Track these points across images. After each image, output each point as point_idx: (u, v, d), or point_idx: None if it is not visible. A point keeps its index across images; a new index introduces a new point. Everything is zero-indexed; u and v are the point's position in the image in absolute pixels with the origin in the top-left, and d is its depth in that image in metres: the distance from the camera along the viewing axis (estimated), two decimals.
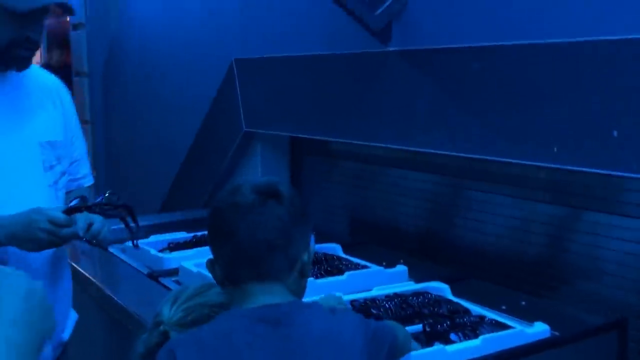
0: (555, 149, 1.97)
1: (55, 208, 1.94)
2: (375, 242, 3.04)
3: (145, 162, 4.67)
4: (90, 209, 1.97)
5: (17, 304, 0.94)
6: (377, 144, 2.77)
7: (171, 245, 2.88)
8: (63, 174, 2.11)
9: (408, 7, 2.46)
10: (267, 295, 1.34)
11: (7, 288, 0.97)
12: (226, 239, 1.35)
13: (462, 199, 2.83)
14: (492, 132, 2.18)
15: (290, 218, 1.35)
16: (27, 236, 1.85)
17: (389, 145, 2.69)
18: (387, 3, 2.46)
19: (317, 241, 2.95)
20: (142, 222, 3.40)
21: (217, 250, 1.39)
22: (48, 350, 2.07)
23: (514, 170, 2.51)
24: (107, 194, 2.02)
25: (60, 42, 8.52)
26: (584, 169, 1.94)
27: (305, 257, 1.39)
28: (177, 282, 2.47)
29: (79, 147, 2.23)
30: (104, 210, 2.00)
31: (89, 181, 2.30)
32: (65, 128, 2.14)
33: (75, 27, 5.27)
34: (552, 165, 2.02)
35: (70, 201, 2.01)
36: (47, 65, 8.64)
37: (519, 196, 2.56)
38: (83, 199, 2.02)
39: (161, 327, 1.40)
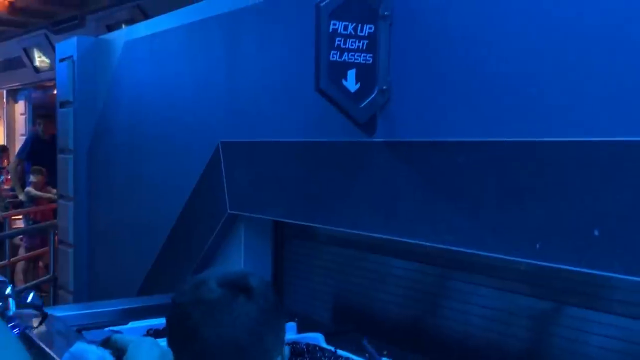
0: (537, 245, 1.99)
1: None
2: (359, 331, 3.00)
3: (127, 240, 4.64)
4: None
5: None
6: (361, 232, 2.78)
7: (150, 332, 2.83)
8: None
9: (392, 100, 2.51)
10: None
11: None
12: (189, 339, 1.21)
13: (446, 289, 2.82)
14: (475, 225, 2.20)
15: (262, 315, 1.23)
16: None
17: (372, 234, 2.70)
18: (372, 96, 2.51)
19: (300, 329, 2.96)
20: (121, 306, 3.40)
21: (178, 353, 1.26)
22: None
23: (498, 261, 2.52)
24: None
25: (47, 114, 8.59)
26: (566, 267, 1.95)
27: (278, 358, 1.26)
28: None
29: None
30: None
31: None
32: None
33: (63, 104, 5.31)
34: (535, 262, 2.03)
35: None
36: (35, 137, 8.67)
37: (502, 288, 2.56)
38: None
39: None
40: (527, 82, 2.05)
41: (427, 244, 2.42)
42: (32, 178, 8.13)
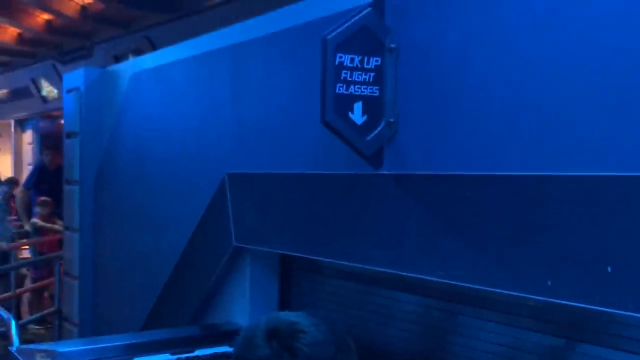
0: (549, 282, 1.94)
1: None
2: None
3: (132, 272, 4.61)
4: None
5: None
6: (367, 266, 2.74)
7: None
8: None
9: (399, 133, 2.49)
10: None
11: None
12: None
13: (452, 324, 2.77)
14: (484, 261, 2.16)
15: None
16: None
17: (378, 269, 2.66)
18: (379, 128, 2.49)
19: None
20: (125, 340, 3.36)
21: None
22: None
23: (506, 296, 2.47)
24: None
25: (54, 144, 8.62)
26: (578, 304, 1.90)
27: None
28: None
29: None
30: None
31: None
32: None
33: (69, 135, 5.31)
34: (546, 299, 1.99)
35: None
36: (41, 167, 8.70)
37: (510, 324, 2.51)
38: None
39: None
40: (538, 115, 2.02)
41: (435, 278, 2.38)
42: (38, 209, 8.13)
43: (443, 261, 2.32)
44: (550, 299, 1.98)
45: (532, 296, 2.05)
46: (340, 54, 2.38)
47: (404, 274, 2.56)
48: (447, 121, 2.31)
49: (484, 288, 2.22)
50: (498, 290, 2.16)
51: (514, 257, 2.07)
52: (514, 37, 2.10)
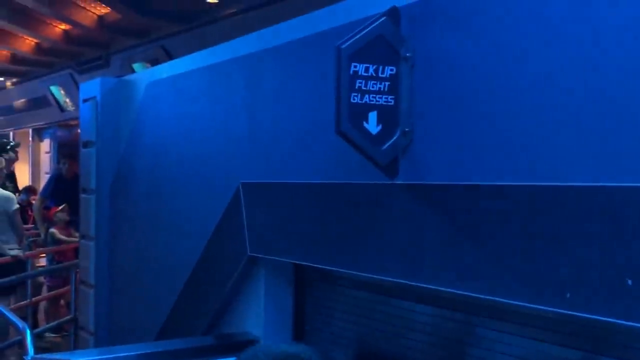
0: (568, 295, 1.91)
1: None
2: None
3: (147, 281, 4.60)
4: None
5: None
6: (382, 277, 2.71)
7: None
8: None
9: (415, 142, 2.47)
10: None
11: None
12: None
13: (469, 336, 2.74)
14: (502, 273, 2.12)
15: None
16: None
17: (394, 280, 2.63)
18: (394, 138, 2.47)
19: None
20: (139, 350, 3.35)
21: None
22: None
23: (523, 308, 2.43)
24: None
25: (71, 153, 8.67)
26: (597, 317, 1.87)
27: None
28: None
29: None
30: None
31: None
32: None
33: (86, 144, 5.33)
34: (564, 312, 1.95)
35: None
36: (58, 176, 8.75)
37: (528, 336, 2.47)
38: None
39: None
40: (555, 124, 1.99)
41: (452, 290, 2.35)
42: (56, 219, 8.20)
43: (459, 272, 2.29)
44: (569, 312, 1.94)
45: (551, 308, 2.02)
46: (355, 63, 2.36)
47: (419, 285, 2.53)
48: (463, 130, 2.29)
49: (502, 300, 2.18)
50: (516, 303, 2.12)
51: (532, 269, 2.03)
52: (530, 46, 2.07)
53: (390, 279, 2.66)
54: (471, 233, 2.25)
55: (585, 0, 1.93)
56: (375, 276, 2.80)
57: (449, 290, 2.37)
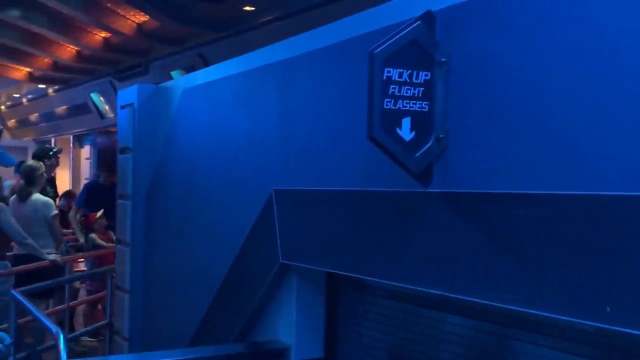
0: (607, 309, 1.83)
1: None
2: None
3: (181, 287, 4.61)
4: None
5: None
6: (415, 287, 2.66)
7: None
8: None
9: (449, 149, 2.41)
10: None
11: None
12: None
13: (503, 348, 2.66)
14: (539, 285, 2.05)
15: None
16: None
17: (428, 290, 2.57)
18: (428, 145, 2.41)
19: None
20: (171, 357, 3.34)
21: None
22: None
23: (560, 321, 2.36)
24: None
25: (109, 161, 8.78)
26: (637, 332, 1.79)
27: None
28: None
29: None
30: None
31: None
32: None
33: (123, 150, 5.37)
34: (603, 326, 1.87)
35: None
36: (93, 184, 8.87)
37: (564, 350, 2.39)
38: None
39: None
40: (594, 132, 1.92)
41: (487, 302, 2.28)
42: (95, 226, 8.33)
43: (495, 284, 2.22)
44: (608, 326, 1.86)
45: (590, 322, 1.94)
46: (389, 69, 2.32)
47: (454, 296, 2.47)
48: (500, 137, 2.23)
49: (539, 313, 2.11)
50: (554, 316, 2.05)
51: (570, 281, 1.96)
52: (571, 49, 2.00)
53: (422, 289, 2.61)
54: (507, 243, 2.18)
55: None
56: (408, 286, 2.74)
57: (484, 302, 2.30)
